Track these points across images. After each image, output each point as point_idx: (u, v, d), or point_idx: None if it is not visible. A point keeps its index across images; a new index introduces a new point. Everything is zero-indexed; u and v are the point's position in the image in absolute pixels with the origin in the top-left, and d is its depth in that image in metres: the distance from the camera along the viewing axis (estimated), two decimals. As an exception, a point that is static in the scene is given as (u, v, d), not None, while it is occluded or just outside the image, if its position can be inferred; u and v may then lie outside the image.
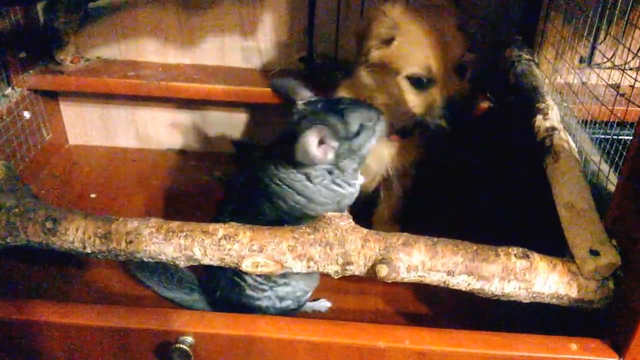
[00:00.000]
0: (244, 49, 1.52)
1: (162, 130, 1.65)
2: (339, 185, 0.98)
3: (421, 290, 1.14)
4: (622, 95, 1.00)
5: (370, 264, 0.84)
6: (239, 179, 1.06)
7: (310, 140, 0.90)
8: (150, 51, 1.54)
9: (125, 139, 1.67)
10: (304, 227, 0.87)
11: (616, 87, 1.10)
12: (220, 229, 0.86)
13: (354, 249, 0.84)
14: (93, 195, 1.45)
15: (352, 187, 1.01)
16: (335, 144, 0.94)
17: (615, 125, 1.12)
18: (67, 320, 0.87)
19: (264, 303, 1.00)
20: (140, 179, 1.53)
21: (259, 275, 0.95)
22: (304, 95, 1.03)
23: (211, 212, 1.39)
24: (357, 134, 0.96)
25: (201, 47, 1.53)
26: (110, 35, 1.52)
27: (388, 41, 1.07)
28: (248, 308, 1.00)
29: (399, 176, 1.22)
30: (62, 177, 1.53)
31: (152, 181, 1.52)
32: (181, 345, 0.83)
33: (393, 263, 0.83)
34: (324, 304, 1.12)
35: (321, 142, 0.92)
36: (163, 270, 1.11)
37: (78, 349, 0.88)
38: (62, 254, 0.92)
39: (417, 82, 1.07)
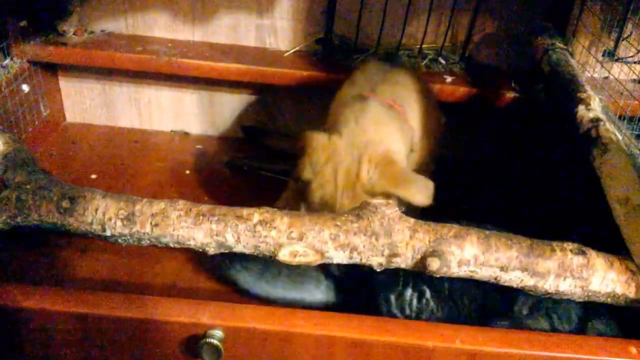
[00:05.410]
0: (259, 27, 1.44)
1: (165, 110, 1.56)
2: None
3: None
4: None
5: (419, 257, 0.78)
6: None
7: None
8: (160, 26, 1.45)
9: (127, 118, 1.58)
10: (346, 215, 0.80)
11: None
12: (256, 214, 0.80)
13: (402, 239, 0.78)
14: (94, 176, 1.37)
15: None
16: None
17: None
18: (82, 309, 0.79)
19: None
20: (142, 160, 1.45)
21: None
22: None
23: (219, 198, 1.33)
24: None
25: (214, 24, 1.44)
26: (118, 7, 1.42)
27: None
28: None
29: None
30: (59, 156, 1.44)
31: (155, 163, 1.44)
32: (211, 340, 0.76)
33: (445, 256, 0.77)
34: None
35: None
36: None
37: (96, 341, 0.80)
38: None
39: None
